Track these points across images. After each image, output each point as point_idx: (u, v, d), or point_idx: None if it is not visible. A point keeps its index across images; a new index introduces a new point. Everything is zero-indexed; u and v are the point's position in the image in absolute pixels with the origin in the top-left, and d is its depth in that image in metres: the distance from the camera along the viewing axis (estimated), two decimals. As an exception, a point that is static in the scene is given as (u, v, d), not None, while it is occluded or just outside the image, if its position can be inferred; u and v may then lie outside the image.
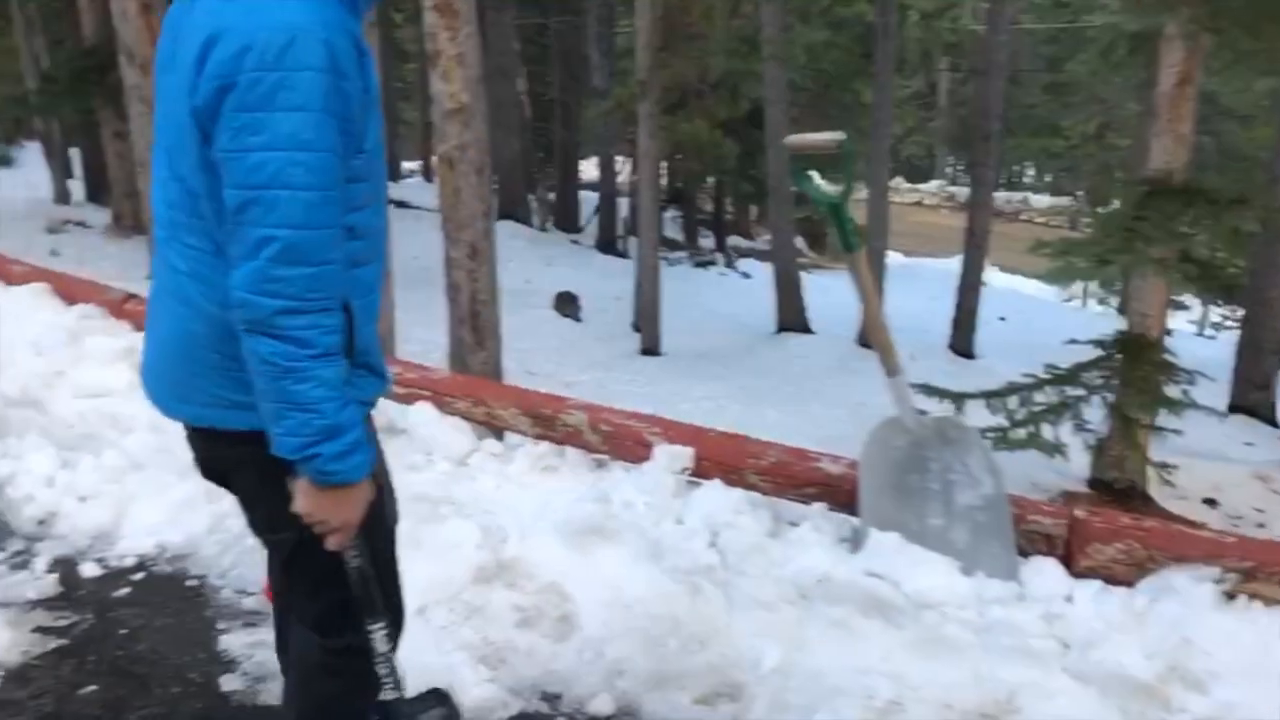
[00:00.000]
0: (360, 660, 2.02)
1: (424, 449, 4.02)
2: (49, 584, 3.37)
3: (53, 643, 3.05)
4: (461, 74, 4.37)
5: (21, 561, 3.50)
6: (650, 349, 12.27)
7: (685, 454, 3.62)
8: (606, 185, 21.80)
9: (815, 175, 2.78)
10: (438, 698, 2.46)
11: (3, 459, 4.03)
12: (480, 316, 4.72)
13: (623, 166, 22.01)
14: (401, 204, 18.26)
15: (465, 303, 4.73)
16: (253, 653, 3.07)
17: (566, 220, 24.25)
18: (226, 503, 3.72)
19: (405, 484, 3.82)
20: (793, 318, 14.24)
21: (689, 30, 12.48)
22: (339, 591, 1.94)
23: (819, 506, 3.41)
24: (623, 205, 21.71)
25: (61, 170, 16.12)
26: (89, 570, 3.47)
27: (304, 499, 1.78)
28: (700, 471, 3.62)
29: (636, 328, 12.91)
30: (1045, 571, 3.09)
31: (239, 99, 1.60)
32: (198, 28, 1.66)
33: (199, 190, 1.72)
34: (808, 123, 16.24)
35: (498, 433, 4.07)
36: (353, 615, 1.97)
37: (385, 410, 4.22)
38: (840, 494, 3.40)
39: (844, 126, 18.83)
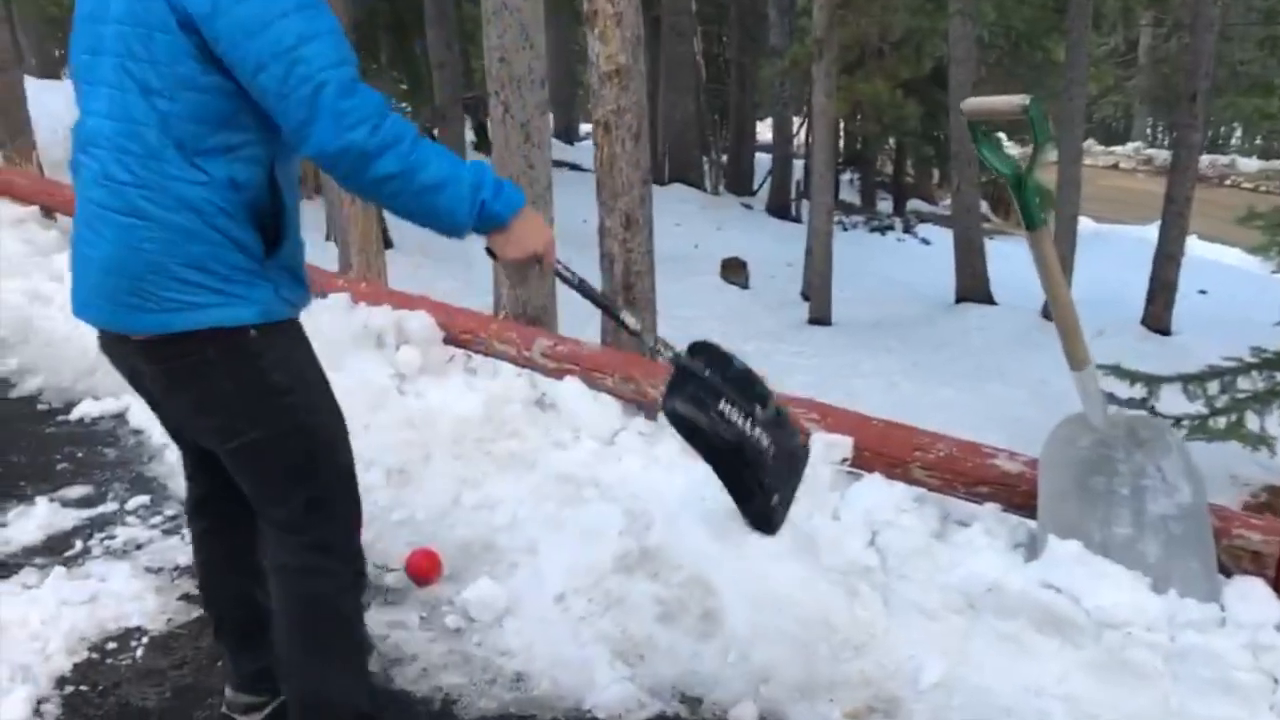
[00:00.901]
0: (339, 554, 2.12)
1: (571, 425, 3.89)
2: (198, 551, 3.37)
3: (196, 612, 3.03)
4: (620, 34, 4.19)
5: (174, 527, 3.52)
6: (820, 318, 11.89)
7: (844, 444, 3.36)
8: (781, 147, 21.36)
9: (998, 139, 2.48)
10: None
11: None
12: (634, 289, 4.55)
13: (799, 128, 21.52)
14: (574, 167, 18.28)
15: (619, 274, 4.57)
16: (389, 633, 3.00)
17: (739, 183, 23.94)
18: (374, 474, 3.71)
19: (551, 462, 3.75)
20: (973, 287, 13.59)
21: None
22: (306, 486, 2.04)
23: (991, 507, 3.11)
24: (798, 167, 21.20)
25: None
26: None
27: (507, 248, 2.02)
28: (860, 463, 3.36)
29: (806, 296, 12.56)
30: (1252, 594, 2.72)
31: None
32: None
33: (175, 98, 1.80)
34: (995, 82, 15.45)
35: (647, 411, 3.90)
36: (317, 506, 2.06)
37: (535, 383, 4.12)
38: (1016, 495, 3.09)
39: (1034, 87, 17.91)
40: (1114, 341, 9.54)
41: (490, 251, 2.07)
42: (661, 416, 3.78)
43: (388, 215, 12.06)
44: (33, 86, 10.62)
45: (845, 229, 19.87)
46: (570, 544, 3.24)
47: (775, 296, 12.99)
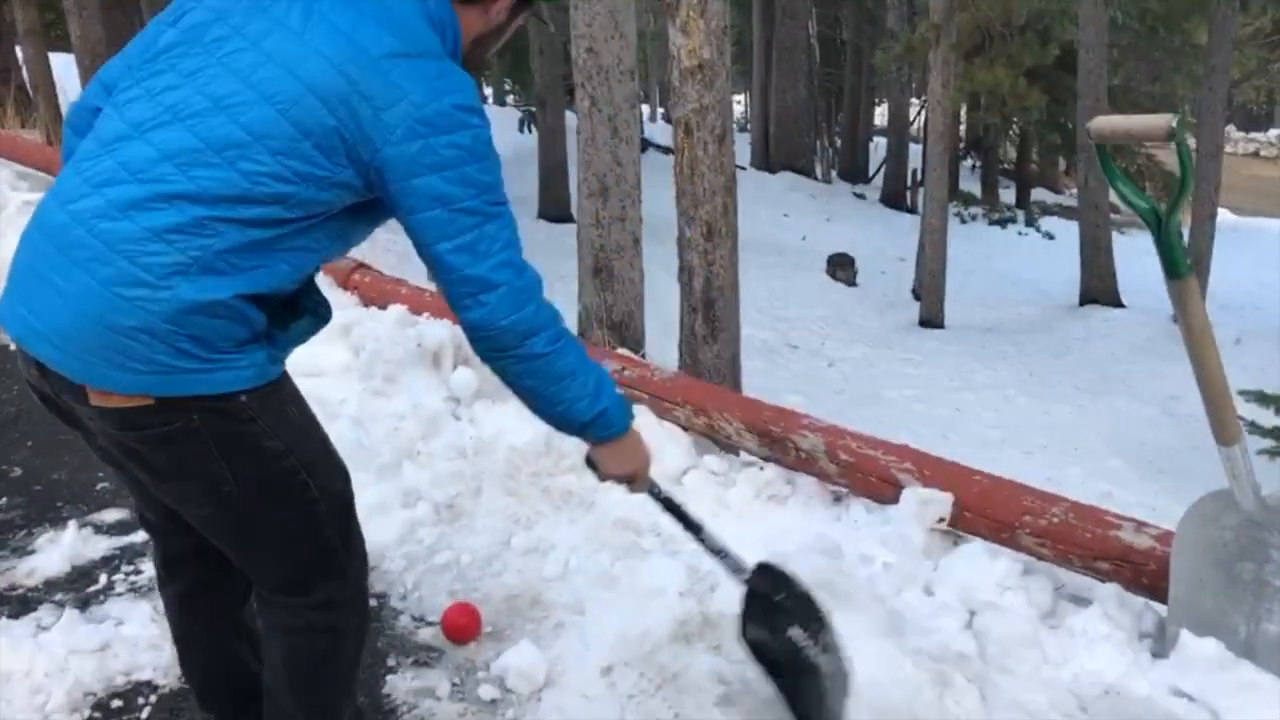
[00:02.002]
0: (343, 610, 2.03)
1: (639, 460, 3.52)
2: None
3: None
4: (703, 26, 3.80)
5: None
6: (931, 320, 11.27)
7: (942, 501, 2.93)
8: (897, 134, 20.66)
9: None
10: None
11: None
12: (715, 305, 4.16)
13: (917, 114, 20.78)
14: (667, 150, 17.85)
15: (698, 288, 4.18)
16: (416, 702, 2.69)
17: (853, 171, 23.31)
18: (421, 509, 3.42)
19: (611, 503, 3.39)
20: (1099, 287, 12.78)
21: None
22: (302, 545, 1.94)
23: (1112, 588, 2.65)
24: (915, 155, 20.46)
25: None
26: (271, 578, 3.19)
27: (610, 462, 2.11)
28: (960, 524, 2.93)
29: (917, 295, 11.96)
30: None
31: (450, 156, 1.70)
32: (331, 21, 1.69)
33: (272, 193, 1.67)
34: (1127, 67, 14.54)
35: (720, 447, 3.52)
36: (321, 566, 1.96)
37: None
38: (1144, 574, 2.63)
39: (1172, 73, 16.86)
40: (1252, 351, 8.78)
41: (590, 462, 2.15)
42: (735, 458, 3.40)
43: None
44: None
45: (963, 221, 19.12)
46: (623, 604, 2.91)
47: (884, 295, 12.41)
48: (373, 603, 3.11)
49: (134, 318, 1.63)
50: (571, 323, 6.84)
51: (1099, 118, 2.04)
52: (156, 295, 1.62)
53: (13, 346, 1.79)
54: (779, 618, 2.32)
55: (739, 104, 38.83)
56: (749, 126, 25.86)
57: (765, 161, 21.79)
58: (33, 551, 3.30)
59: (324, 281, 4.74)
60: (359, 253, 5.23)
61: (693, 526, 2.36)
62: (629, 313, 6.40)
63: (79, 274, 1.64)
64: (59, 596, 3.09)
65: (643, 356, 6.34)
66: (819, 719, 2.32)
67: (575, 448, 3.59)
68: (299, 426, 1.90)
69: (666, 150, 15.91)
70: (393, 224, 1.86)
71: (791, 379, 7.85)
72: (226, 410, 1.73)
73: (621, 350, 5.65)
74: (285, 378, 1.89)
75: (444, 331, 3.88)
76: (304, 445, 1.90)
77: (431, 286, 4.60)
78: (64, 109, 9.88)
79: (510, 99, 30.89)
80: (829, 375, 8.26)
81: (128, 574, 3.22)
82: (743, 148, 24.28)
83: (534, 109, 14.12)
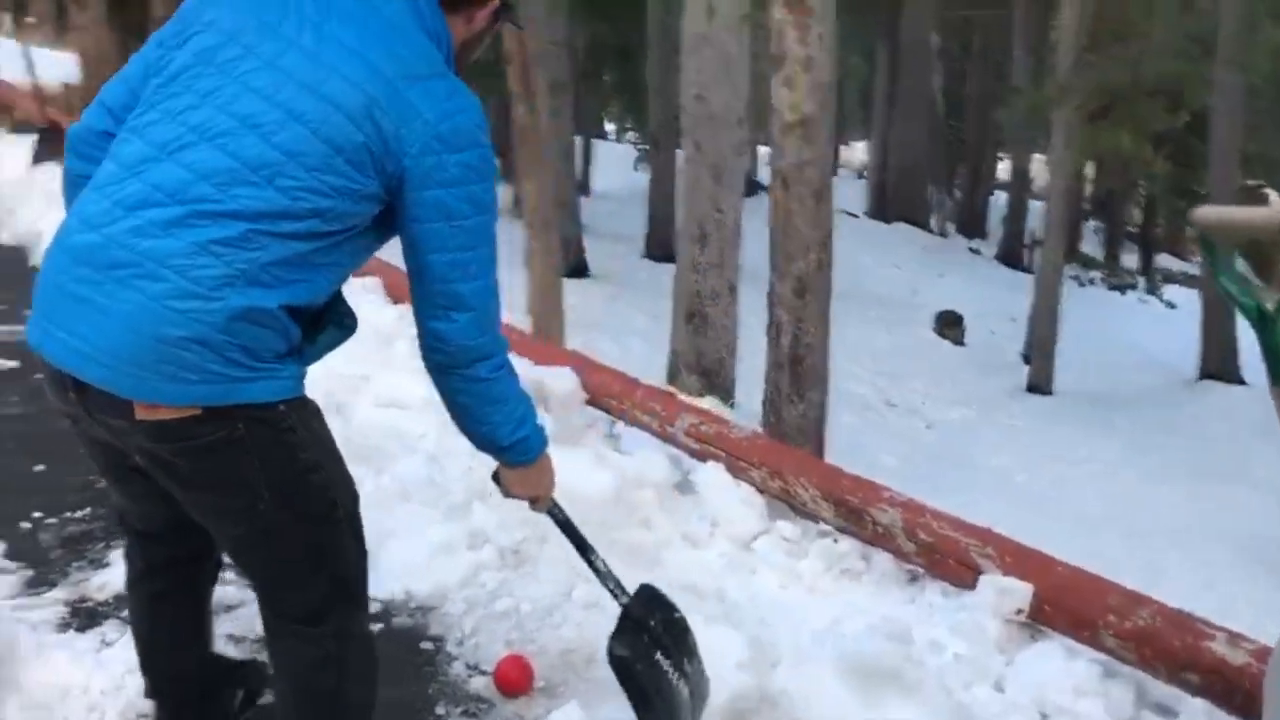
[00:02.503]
0: (359, 641, 2.07)
1: (709, 519, 3.44)
2: (286, 621, 3.10)
3: (266, 697, 2.75)
4: (808, 80, 3.73)
5: (268, 588, 3.26)
6: (1039, 386, 10.91)
7: (1021, 592, 2.77)
8: (1018, 191, 20.21)
9: (1241, 266, 1.85)
10: None
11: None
12: (803, 363, 4.06)
13: (1039, 171, 20.33)
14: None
15: (786, 345, 4.09)
16: (461, 757, 2.63)
17: (971, 226, 22.90)
18: (486, 552, 3.37)
19: (678, 563, 3.30)
20: (1220, 362, 12.24)
21: (1123, 29, 10.92)
22: (330, 566, 1.97)
23: (1201, 704, 2.46)
24: (1036, 213, 19.99)
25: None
26: (330, 610, 3.17)
27: (515, 483, 2.25)
28: (1040, 617, 2.77)
29: (1027, 358, 11.60)
30: None
31: (458, 174, 1.79)
32: (345, 43, 1.76)
33: (317, 207, 1.73)
34: (1261, 138, 13.97)
35: (796, 514, 3.41)
36: (342, 592, 1.99)
37: (679, 463, 3.70)
38: (1236, 693, 2.43)
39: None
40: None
41: (495, 478, 2.30)
42: (810, 526, 3.29)
43: (587, 245, 11.77)
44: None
45: (1081, 284, 18.59)
46: (681, 673, 2.80)
47: (993, 356, 12.06)
48: (429, 646, 3.08)
49: (188, 329, 1.67)
50: (661, 365, 6.81)
51: (1205, 207, 1.88)
52: (209, 306, 1.67)
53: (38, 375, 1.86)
54: (648, 642, 2.50)
55: (859, 151, 38.51)
56: (867, 175, 25.65)
57: (881, 211, 21.54)
58: (107, 565, 3.31)
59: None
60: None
61: (583, 548, 2.55)
62: (720, 360, 6.35)
63: (127, 292, 1.67)
64: (125, 613, 3.11)
65: (731, 406, 6.26)
66: None
67: (645, 503, 3.53)
68: (326, 443, 1.96)
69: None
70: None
71: (886, 438, 7.65)
72: (268, 419, 1.79)
73: (707, 401, 5.57)
74: (308, 403, 1.94)
75: (522, 373, 3.83)
76: (331, 461, 1.96)
77: (518, 327, 4.60)
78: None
79: (628, 136, 31.18)
80: (925, 437, 8.03)
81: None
82: (859, 196, 24.08)
83: (648, 148, 14.19)
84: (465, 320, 1.87)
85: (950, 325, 12.52)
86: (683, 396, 4.22)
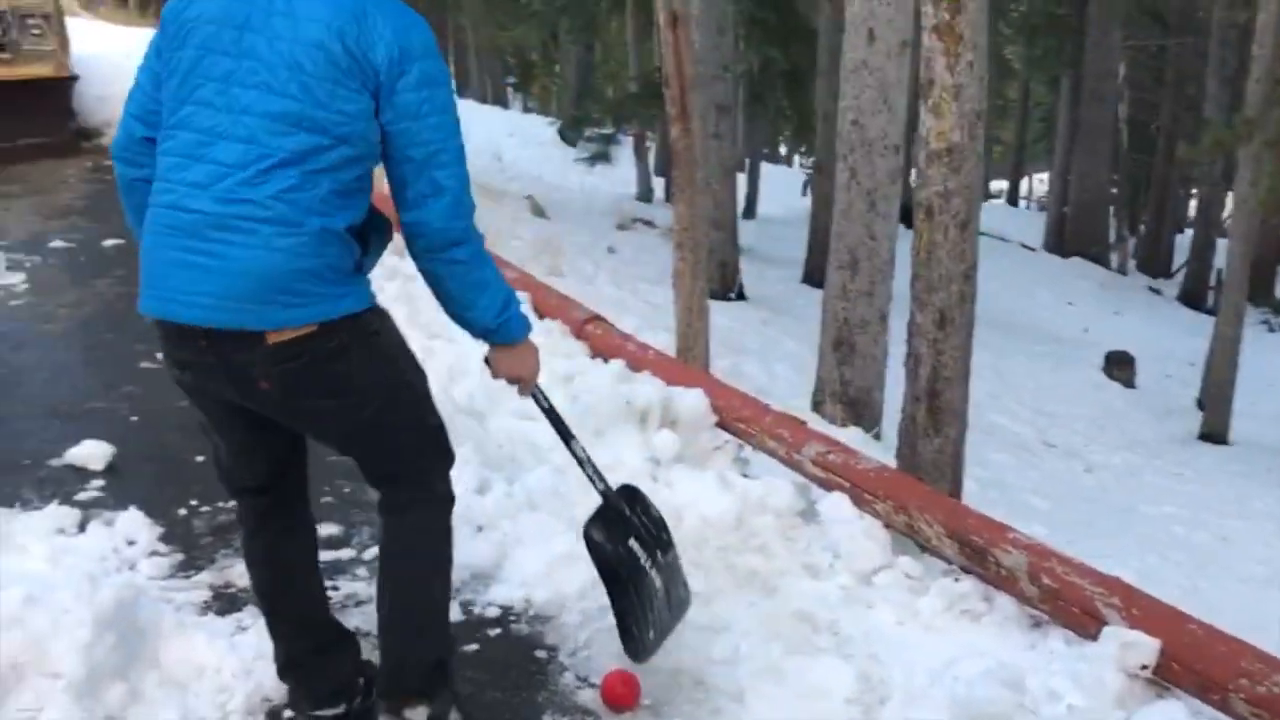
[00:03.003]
0: (441, 495, 2.48)
1: (831, 549, 3.40)
2: (410, 619, 3.20)
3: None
4: (956, 109, 3.65)
5: (397, 587, 3.36)
6: (1214, 434, 10.29)
7: (1147, 646, 2.64)
8: (1205, 229, 19.22)
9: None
10: None
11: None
12: (941, 396, 3.95)
13: (1229, 210, 19.30)
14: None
15: (924, 377, 3.99)
16: (562, 765, 2.66)
17: (1154, 264, 21.90)
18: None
19: (794, 592, 3.27)
20: None
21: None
22: (415, 438, 2.40)
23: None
24: (1223, 253, 18.98)
25: (645, 167, 17.25)
26: (453, 612, 3.24)
27: (502, 364, 2.51)
28: (1166, 674, 2.63)
29: (1201, 405, 10.99)
30: None
31: (418, 76, 2.13)
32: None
33: (346, 133, 2.11)
34: None
35: (919, 549, 3.33)
36: (433, 447, 2.44)
37: (805, 492, 3.67)
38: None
39: None
40: None
41: (487, 361, 2.53)
42: (933, 563, 3.23)
43: (745, 268, 11.71)
44: (467, 110, 11.37)
45: (1272, 329, 17.52)
46: (786, 701, 2.81)
47: (1164, 401, 11.46)
48: (542, 655, 3.14)
49: (290, 263, 2.09)
50: (807, 392, 6.74)
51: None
52: (299, 239, 2.09)
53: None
54: (623, 528, 2.78)
55: (1040, 182, 37.35)
56: (1046, 206, 24.85)
57: (1058, 245, 20.84)
58: (250, 554, 3.50)
59: (559, 329, 4.87)
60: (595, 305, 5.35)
61: (565, 435, 2.79)
62: (867, 390, 6.24)
63: (233, 249, 2.08)
64: (262, 598, 3.26)
65: (876, 437, 6.14)
66: (638, 623, 2.75)
67: (766, 529, 3.51)
68: (399, 338, 2.39)
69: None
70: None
71: (1040, 479, 7.37)
72: (360, 326, 2.22)
73: (850, 432, 5.49)
74: (385, 310, 2.38)
75: (654, 392, 3.88)
76: (404, 353, 2.39)
77: (653, 345, 4.63)
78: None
79: (798, 160, 31.08)
80: (1083, 481, 7.69)
81: (328, 589, 3.36)
82: (1036, 228, 23.32)
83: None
84: (440, 206, 2.19)
85: (1121, 366, 11.97)
86: (812, 424, 4.17)
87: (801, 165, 27.51)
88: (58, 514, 3.50)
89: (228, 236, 2.08)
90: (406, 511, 2.45)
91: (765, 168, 22.19)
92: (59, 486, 3.74)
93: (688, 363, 4.67)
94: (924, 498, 3.34)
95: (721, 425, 3.94)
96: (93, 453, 3.91)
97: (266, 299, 2.10)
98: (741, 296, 10.98)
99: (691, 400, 3.91)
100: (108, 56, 10.68)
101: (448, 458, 2.51)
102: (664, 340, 5.68)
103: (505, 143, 19.98)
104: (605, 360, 4.32)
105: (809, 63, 13.14)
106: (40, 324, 5.29)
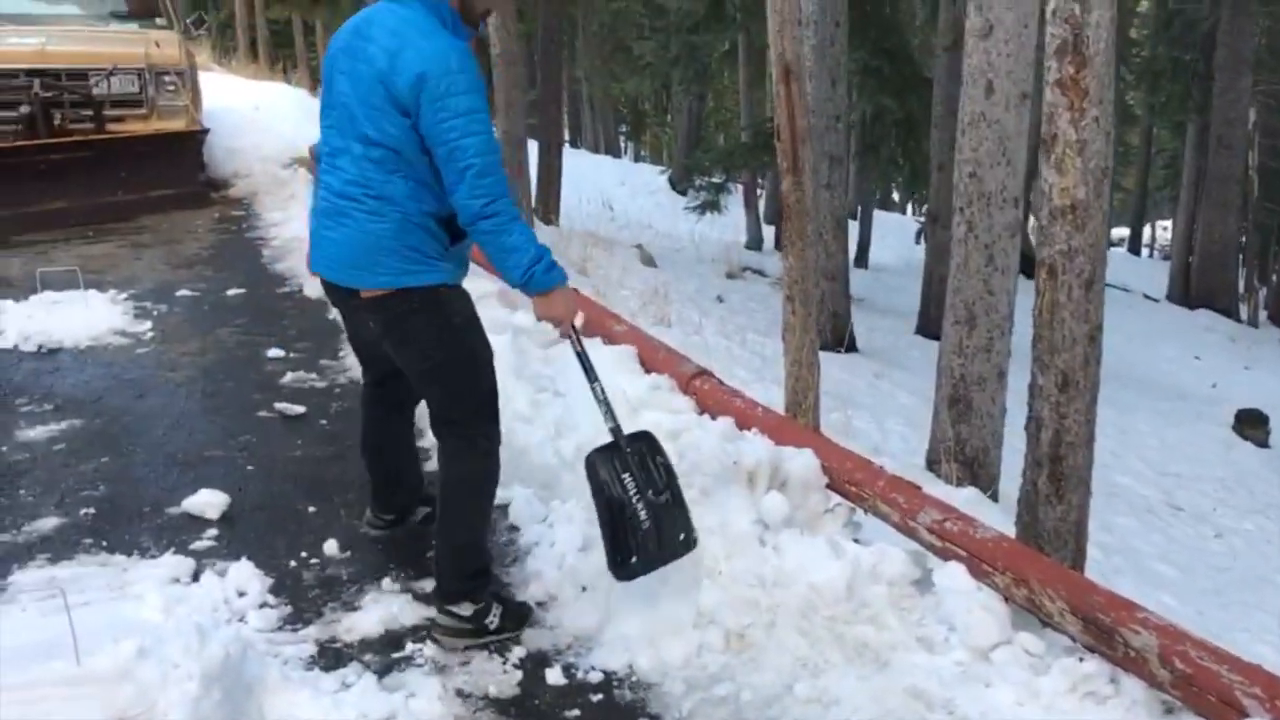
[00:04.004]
0: (490, 444, 3.27)
1: (946, 622, 3.26)
2: (509, 683, 3.14)
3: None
4: (1080, 165, 3.52)
5: (501, 648, 3.31)
6: (1356, 498, 9.75)
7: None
8: (1343, 281, 18.34)
9: None
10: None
11: (547, 523, 3.96)
12: (1064, 462, 3.78)
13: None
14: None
15: (1046, 442, 3.82)
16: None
17: (1288, 316, 20.96)
18: (712, 634, 3.32)
19: (908, 666, 3.13)
20: None
21: None
22: (473, 394, 3.21)
23: None
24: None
25: (755, 216, 17.19)
26: (554, 677, 3.19)
27: (539, 307, 3.12)
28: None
29: (1343, 467, 10.42)
30: None
31: (432, 91, 2.87)
32: (382, 46, 2.97)
33: (398, 145, 2.97)
34: None
35: (1040, 625, 3.17)
36: (484, 409, 3.25)
37: (920, 560, 3.53)
38: None
39: None
40: None
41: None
42: (1055, 640, 3.10)
43: (857, 318, 11.49)
44: (580, 159, 11.45)
45: None
46: (898, 783, 2.65)
47: (1301, 463, 10.89)
48: (645, 723, 3.07)
49: (378, 241, 3.02)
50: (921, 449, 6.56)
51: None
52: (384, 226, 3.01)
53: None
54: (621, 460, 3.29)
55: (1164, 230, 36.21)
56: (1169, 255, 24.04)
57: (1184, 296, 20.14)
58: (357, 609, 3.45)
59: (666, 384, 4.82)
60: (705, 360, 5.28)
61: (590, 375, 3.30)
62: (983, 449, 6.05)
63: (343, 229, 3.08)
64: (367, 657, 3.24)
65: (993, 497, 5.93)
66: (616, 545, 3.27)
67: (878, 598, 3.38)
68: (470, 315, 3.22)
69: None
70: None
71: (1165, 545, 7.03)
72: (431, 297, 3.07)
73: (967, 492, 5.31)
74: (464, 289, 3.23)
75: (763, 452, 3.79)
76: (474, 327, 3.22)
77: (762, 401, 4.54)
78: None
79: (910, 208, 30.69)
80: (1213, 547, 7.32)
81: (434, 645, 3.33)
82: (1160, 278, 22.58)
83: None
84: (464, 189, 2.90)
85: (1253, 425, 11.40)
86: (927, 484, 4.02)
87: (915, 214, 27.14)
88: (173, 563, 3.57)
89: (341, 220, 3.06)
90: (453, 457, 3.24)
91: (878, 215, 21.96)
92: (175, 535, 3.82)
93: (798, 419, 4.57)
94: (1046, 570, 3.18)
95: (833, 487, 3.83)
96: (209, 501, 3.99)
97: (362, 265, 3.05)
98: (853, 348, 10.80)
99: (802, 461, 3.82)
100: (237, 109, 11.12)
101: (494, 419, 3.25)
102: (773, 393, 5.58)
103: (616, 192, 20.19)
104: (713, 417, 4.24)
105: (923, 112, 12.98)
106: (164, 372, 5.45)
